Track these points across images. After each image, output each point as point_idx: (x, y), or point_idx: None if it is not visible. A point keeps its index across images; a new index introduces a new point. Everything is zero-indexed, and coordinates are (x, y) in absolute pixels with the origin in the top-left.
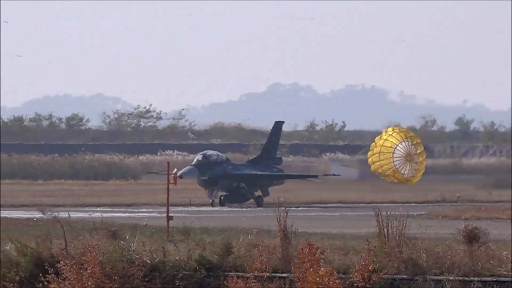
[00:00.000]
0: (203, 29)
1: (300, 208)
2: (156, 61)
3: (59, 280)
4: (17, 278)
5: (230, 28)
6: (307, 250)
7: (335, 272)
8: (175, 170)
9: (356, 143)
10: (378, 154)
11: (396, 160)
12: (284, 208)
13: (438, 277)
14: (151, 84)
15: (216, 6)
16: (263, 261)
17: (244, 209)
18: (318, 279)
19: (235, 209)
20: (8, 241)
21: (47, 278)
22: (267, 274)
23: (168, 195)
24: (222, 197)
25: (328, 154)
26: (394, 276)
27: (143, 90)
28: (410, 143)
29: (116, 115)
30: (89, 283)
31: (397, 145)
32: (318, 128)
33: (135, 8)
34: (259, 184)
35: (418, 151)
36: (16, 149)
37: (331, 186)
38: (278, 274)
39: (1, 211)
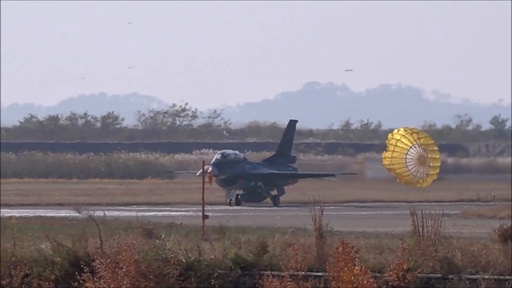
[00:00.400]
0: (239, 28)
1: (335, 207)
2: (191, 60)
3: (95, 279)
4: (53, 276)
5: (266, 27)
6: (342, 249)
7: (368, 271)
8: (210, 169)
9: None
10: (391, 155)
11: (409, 163)
12: (319, 207)
13: (473, 276)
14: (186, 83)
15: (252, 5)
16: (298, 260)
17: (259, 208)
18: (352, 278)
19: (252, 208)
20: (44, 240)
21: (83, 277)
22: (302, 273)
23: (203, 194)
24: (239, 196)
25: (363, 153)
26: (429, 275)
27: (179, 89)
28: (419, 146)
29: (151, 114)
30: (125, 282)
31: (410, 148)
32: (353, 127)
33: (171, 7)
34: (275, 183)
35: (430, 155)
36: (52, 148)
37: (366, 185)
38: (314, 273)
39: (38, 210)
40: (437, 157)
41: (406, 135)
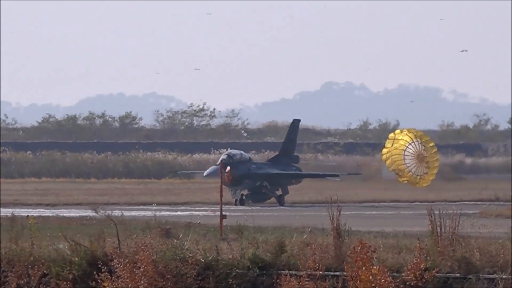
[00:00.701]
0: (258, 28)
1: (353, 207)
2: (209, 60)
3: (113, 278)
4: (71, 276)
5: (285, 26)
6: (360, 248)
7: (386, 270)
8: (228, 168)
9: None
10: (390, 153)
11: (408, 160)
12: (337, 206)
13: (491, 276)
14: (205, 83)
15: (269, 4)
16: (316, 259)
17: (265, 208)
18: (370, 277)
19: (257, 208)
20: (61, 240)
21: (101, 277)
22: (320, 272)
23: (221, 193)
24: (244, 196)
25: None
26: (447, 274)
27: (197, 89)
28: (418, 143)
29: (169, 114)
30: (142, 282)
31: (409, 145)
32: (371, 127)
33: (189, 7)
34: (279, 183)
35: (429, 156)
36: (70, 147)
37: (384, 185)
38: (331, 273)
39: (56, 210)
40: (436, 158)
41: (408, 134)
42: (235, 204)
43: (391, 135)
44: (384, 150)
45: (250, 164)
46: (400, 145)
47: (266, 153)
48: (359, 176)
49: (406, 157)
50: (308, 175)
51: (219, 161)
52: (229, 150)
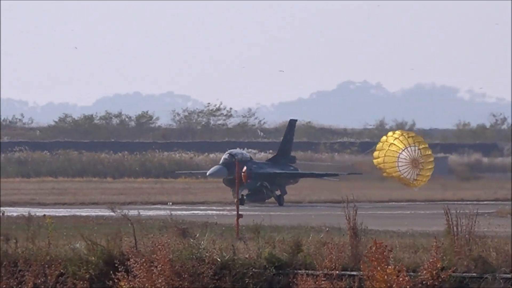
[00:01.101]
0: (273, 27)
1: (370, 207)
2: (226, 59)
3: (129, 278)
4: (87, 276)
5: (302, 26)
6: (375, 248)
7: (404, 269)
8: (245, 168)
9: (426, 141)
10: (383, 157)
11: (401, 166)
12: (353, 206)
13: (508, 275)
14: (221, 82)
15: (287, 4)
16: (332, 259)
17: (265, 207)
18: (386, 277)
19: (257, 207)
20: (78, 239)
21: (117, 276)
22: (337, 272)
23: (237, 193)
24: (244, 196)
25: None
26: (464, 274)
27: (213, 88)
28: (416, 148)
29: (186, 113)
30: (159, 281)
31: (403, 150)
32: (387, 126)
33: (205, 6)
34: (279, 183)
35: (424, 160)
36: (87, 147)
37: (401, 184)
38: (348, 272)
39: (72, 209)
40: (431, 160)
41: (399, 138)
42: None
43: (384, 138)
44: (375, 154)
45: (251, 164)
46: (394, 151)
47: None
48: (376, 176)
49: (400, 162)
50: (308, 175)
51: (221, 160)
52: (231, 150)
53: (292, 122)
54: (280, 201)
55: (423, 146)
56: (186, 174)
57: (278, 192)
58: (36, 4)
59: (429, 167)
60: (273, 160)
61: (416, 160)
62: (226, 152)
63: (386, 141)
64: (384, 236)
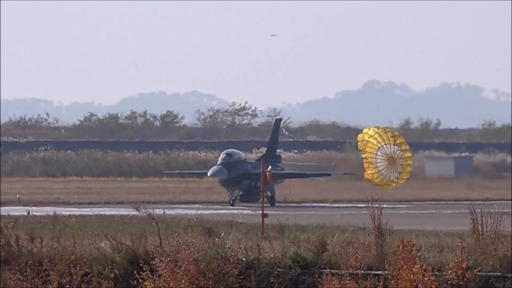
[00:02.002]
0: (299, 26)
1: (395, 206)
2: (251, 58)
3: (154, 277)
4: (112, 275)
5: (327, 25)
6: (402, 247)
7: (430, 268)
8: (270, 167)
9: (451, 141)
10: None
11: (379, 163)
12: (378, 205)
13: None
14: (246, 81)
15: (312, 4)
16: (357, 258)
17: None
18: (412, 276)
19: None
20: (103, 238)
21: (142, 276)
22: (362, 271)
23: (262, 192)
24: (238, 197)
25: (422, 152)
26: (489, 273)
27: (238, 87)
28: (392, 145)
29: (211, 112)
30: (184, 281)
31: (379, 148)
32: (412, 126)
33: (230, 5)
34: (269, 183)
35: (402, 154)
36: (112, 146)
37: (426, 184)
38: (373, 272)
39: (97, 208)
40: (409, 155)
41: (374, 135)
42: (232, 205)
43: (360, 136)
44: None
45: (246, 164)
46: (371, 149)
47: (308, 152)
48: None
49: (378, 160)
50: (298, 175)
51: (219, 161)
52: (227, 150)
53: (277, 122)
54: (272, 202)
55: (399, 141)
56: (175, 174)
57: (268, 193)
58: (61, 4)
59: (407, 169)
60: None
61: (393, 158)
62: (224, 152)
63: (363, 140)
64: (409, 236)
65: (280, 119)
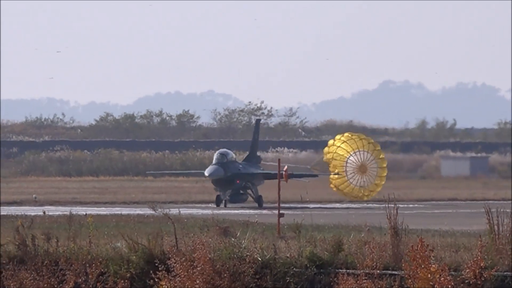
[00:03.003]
0: (315, 26)
1: (411, 206)
2: (267, 58)
3: (170, 277)
4: (128, 275)
5: (343, 25)
6: (419, 247)
7: (447, 268)
8: (286, 167)
9: (467, 141)
10: (331, 162)
11: (349, 172)
12: (394, 205)
13: None
14: (262, 81)
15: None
16: (374, 258)
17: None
18: (429, 275)
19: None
20: (119, 238)
21: (158, 275)
22: (378, 271)
23: (279, 192)
24: (227, 197)
25: (439, 152)
26: (505, 273)
27: (254, 87)
28: (366, 152)
29: (227, 112)
30: (199, 280)
31: (350, 156)
32: (429, 126)
33: (246, 5)
34: (254, 184)
35: (377, 170)
36: (128, 146)
37: (442, 183)
38: (389, 272)
39: (113, 208)
40: (384, 166)
41: (347, 141)
42: (225, 206)
43: (331, 141)
44: (327, 154)
45: (238, 165)
46: (341, 155)
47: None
48: (417, 175)
49: (348, 168)
50: (296, 175)
51: (215, 160)
52: (221, 150)
53: (257, 122)
54: (260, 203)
55: (373, 148)
56: (158, 175)
57: (250, 192)
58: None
59: (383, 174)
60: (247, 160)
61: (364, 166)
62: (218, 152)
63: (333, 145)
64: (425, 235)
65: (260, 120)
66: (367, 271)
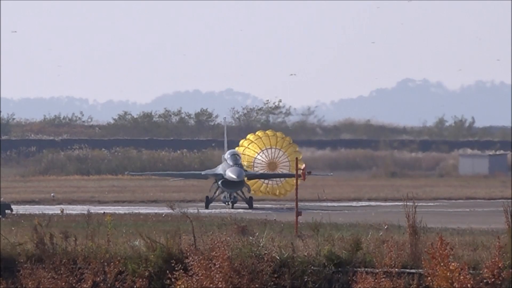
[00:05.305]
0: (333, 25)
1: (430, 204)
2: (286, 57)
3: (188, 275)
4: (146, 273)
5: (363, 24)
6: (438, 245)
7: (466, 267)
8: (304, 166)
9: (486, 139)
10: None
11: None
12: (412, 203)
13: None
14: (281, 80)
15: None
16: (392, 256)
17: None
18: (448, 274)
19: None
20: (137, 237)
21: (175, 275)
22: (396, 270)
23: (296, 190)
24: (234, 199)
25: (457, 150)
26: None
27: (273, 86)
28: (275, 149)
29: (245, 111)
30: (217, 279)
31: (258, 155)
32: (447, 124)
33: (264, 4)
34: (246, 185)
35: (289, 159)
36: (146, 145)
37: (460, 182)
38: (407, 270)
39: (132, 207)
40: (300, 157)
41: (255, 141)
42: (232, 207)
43: (241, 141)
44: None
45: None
46: (249, 156)
47: (342, 150)
48: (436, 173)
49: (256, 168)
50: (266, 176)
51: (232, 162)
52: (232, 150)
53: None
54: (250, 204)
55: (287, 145)
56: (137, 175)
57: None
58: (96, 4)
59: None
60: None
61: (273, 163)
62: (232, 153)
63: (242, 145)
64: (444, 234)
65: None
66: (385, 270)
